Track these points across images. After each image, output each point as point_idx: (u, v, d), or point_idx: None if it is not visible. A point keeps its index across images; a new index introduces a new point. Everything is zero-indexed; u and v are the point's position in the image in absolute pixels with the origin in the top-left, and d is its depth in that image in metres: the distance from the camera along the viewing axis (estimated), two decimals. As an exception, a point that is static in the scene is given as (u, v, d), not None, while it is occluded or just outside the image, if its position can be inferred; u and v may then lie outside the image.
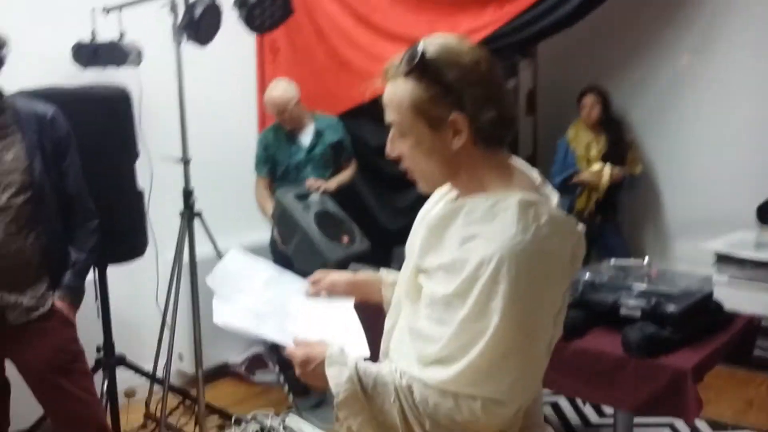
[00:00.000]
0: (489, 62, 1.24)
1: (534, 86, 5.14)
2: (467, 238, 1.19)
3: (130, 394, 3.28)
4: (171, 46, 3.05)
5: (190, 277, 3.10)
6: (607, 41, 4.54)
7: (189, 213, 3.12)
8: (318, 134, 3.78)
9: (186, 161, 3.12)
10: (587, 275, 2.72)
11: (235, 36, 3.47)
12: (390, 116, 1.26)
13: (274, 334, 1.44)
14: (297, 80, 4.51)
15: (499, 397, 1.18)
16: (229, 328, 1.40)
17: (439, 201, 1.39)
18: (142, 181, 3.09)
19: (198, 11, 2.78)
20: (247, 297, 1.53)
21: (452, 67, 1.20)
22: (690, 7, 4.21)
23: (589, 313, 2.61)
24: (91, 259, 2.45)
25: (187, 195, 3.12)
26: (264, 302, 1.53)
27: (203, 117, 3.79)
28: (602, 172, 4.08)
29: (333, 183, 3.73)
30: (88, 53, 3.32)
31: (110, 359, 3.00)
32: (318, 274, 1.62)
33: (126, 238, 2.86)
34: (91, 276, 2.93)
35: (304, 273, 1.66)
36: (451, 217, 1.24)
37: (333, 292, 1.59)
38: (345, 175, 3.87)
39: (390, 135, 1.29)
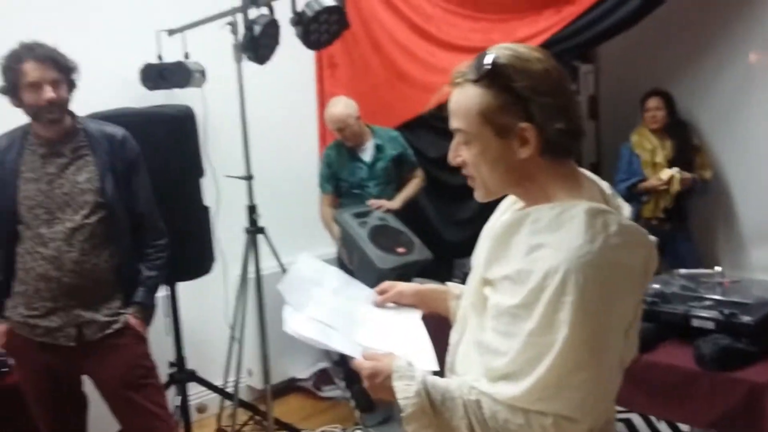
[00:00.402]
0: (559, 72, 1.22)
1: (596, 91, 5.05)
2: (533, 247, 1.17)
3: (202, 409, 3.36)
4: (233, 65, 3.13)
5: (256, 292, 3.16)
6: (670, 42, 4.41)
7: (253, 229, 3.18)
8: (379, 149, 3.79)
9: (249, 177, 3.18)
10: (657, 285, 2.65)
11: (293, 53, 3.52)
12: (455, 123, 1.25)
13: (342, 346, 1.42)
14: (355, 94, 4.56)
15: (570, 413, 1.15)
16: (299, 336, 1.40)
17: (505, 212, 1.38)
18: (208, 199, 3.17)
19: (257, 30, 2.84)
20: (316, 305, 1.53)
21: (523, 75, 1.19)
22: (758, 3, 4.06)
23: (660, 325, 2.52)
24: (162, 277, 2.52)
25: (251, 211, 3.19)
26: (332, 310, 1.52)
27: (265, 134, 3.87)
28: (672, 177, 3.95)
29: (397, 201, 3.73)
30: (155, 75, 3.44)
31: (182, 374, 3.07)
32: (385, 285, 1.60)
33: (194, 255, 2.94)
34: (161, 292, 3.04)
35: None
36: (517, 226, 1.22)
37: (400, 302, 1.57)
38: (410, 189, 3.87)
39: (454, 142, 1.28)
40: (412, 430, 1.23)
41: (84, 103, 2.68)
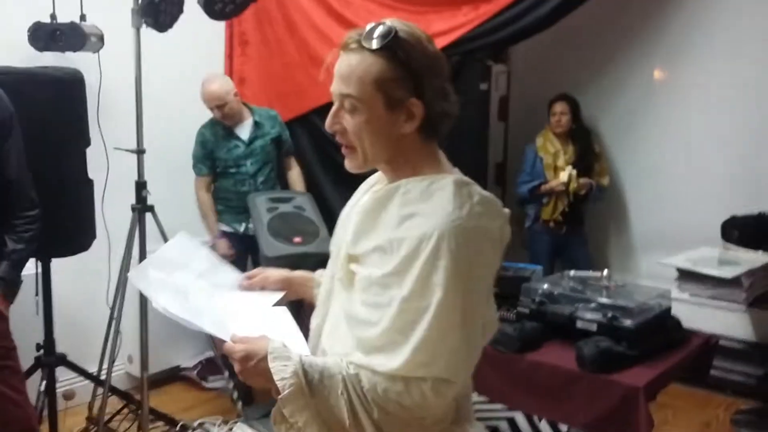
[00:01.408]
0: (444, 57, 1.28)
1: (507, 93, 5.10)
2: (405, 216, 1.21)
3: (68, 396, 3.14)
4: (133, 31, 2.95)
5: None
6: (579, 50, 4.52)
7: (141, 207, 3.01)
8: (257, 126, 3.75)
9: (140, 151, 3.01)
10: (545, 285, 2.68)
11: (204, 26, 3.38)
12: (344, 88, 1.24)
13: (213, 328, 1.35)
14: (266, 74, 4.44)
15: (447, 375, 1.18)
16: (169, 315, 1.33)
17: (366, 193, 1.39)
18: (96, 172, 2.98)
19: (158, -5, 2.67)
20: (178, 284, 1.46)
21: (419, 53, 1.22)
22: (663, 16, 4.20)
23: (546, 325, 2.57)
24: (29, 251, 2.33)
25: (140, 187, 3.01)
26: (194, 292, 1.45)
27: (164, 108, 3.69)
28: (570, 177, 4.02)
29: None
30: (46, 35, 3.19)
31: (50, 358, 2.86)
32: (254, 271, 1.57)
33: (72, 230, 2.74)
34: (33, 269, 2.83)
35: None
36: (387, 199, 1.26)
37: (266, 286, 1.53)
38: (300, 185, 3.91)
39: (334, 108, 1.27)
40: (289, 413, 1.18)
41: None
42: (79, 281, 3.43)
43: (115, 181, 3.16)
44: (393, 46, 1.20)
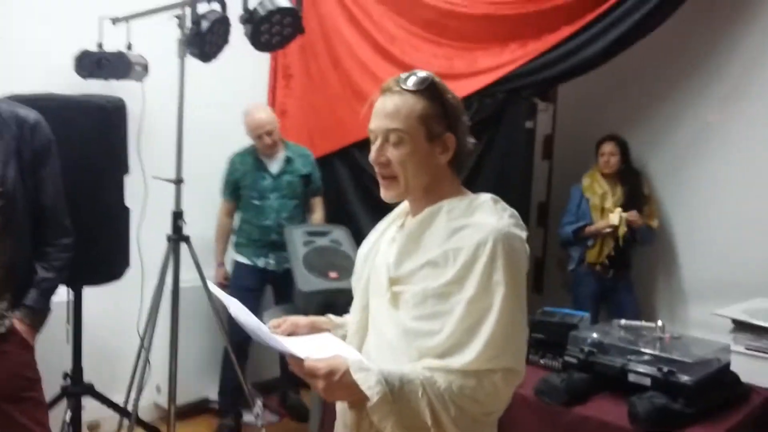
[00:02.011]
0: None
1: (552, 131, 5.00)
2: (456, 229, 1.37)
3: (93, 427, 3.08)
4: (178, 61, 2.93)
5: (171, 304, 2.93)
6: (630, 89, 4.39)
7: (176, 237, 2.96)
8: (288, 161, 3.74)
9: (178, 181, 2.97)
10: (595, 334, 2.53)
11: (248, 58, 3.37)
12: (391, 123, 1.40)
13: (278, 344, 1.36)
14: (309, 108, 4.41)
15: (514, 364, 1.32)
16: (240, 321, 1.39)
17: (389, 227, 1.55)
18: (134, 200, 2.95)
19: (205, 26, 2.65)
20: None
21: (450, 94, 1.44)
22: (719, 59, 4.05)
23: (595, 376, 2.41)
24: (60, 279, 2.27)
25: (176, 217, 2.97)
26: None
27: (205, 138, 3.68)
28: (621, 219, 3.87)
29: None
30: (92, 63, 3.21)
31: (76, 387, 2.79)
32: (278, 320, 1.57)
33: (105, 258, 2.69)
34: (66, 296, 2.78)
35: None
36: (431, 219, 1.41)
37: (296, 332, 1.55)
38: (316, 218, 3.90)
39: (379, 142, 1.42)
40: (378, 419, 1.27)
41: (11, 83, 2.46)
42: (110, 310, 3.38)
43: (152, 209, 3.12)
44: (431, 87, 1.41)
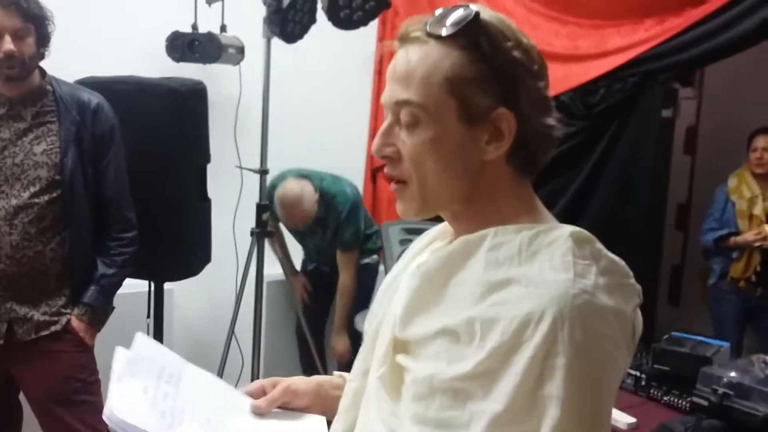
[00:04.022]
0: (541, 55, 0.86)
1: (696, 122, 4.46)
2: (496, 285, 0.79)
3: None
4: (281, 45, 2.72)
5: (255, 299, 2.78)
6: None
7: (260, 231, 2.79)
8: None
9: (263, 172, 2.79)
10: (732, 373, 2.08)
11: (353, 42, 3.10)
12: (399, 93, 0.84)
13: None
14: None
15: None
16: (121, 425, 0.89)
17: (421, 252, 0.99)
18: (233, 193, 2.79)
19: (285, 1, 2.41)
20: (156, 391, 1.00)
21: (511, 45, 0.82)
22: None
23: (730, 424, 2.00)
24: (122, 276, 2.14)
25: (261, 210, 2.80)
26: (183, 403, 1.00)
27: (296, 127, 3.46)
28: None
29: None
30: (183, 45, 3.08)
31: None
32: (257, 385, 1.10)
33: (180, 253, 2.54)
34: (146, 287, 2.67)
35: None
36: (463, 257, 0.83)
37: (291, 402, 1.09)
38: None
39: (386, 124, 0.87)
40: None
41: (96, 64, 2.35)
42: (200, 304, 3.28)
43: (238, 201, 2.97)
44: (474, 32, 0.81)
